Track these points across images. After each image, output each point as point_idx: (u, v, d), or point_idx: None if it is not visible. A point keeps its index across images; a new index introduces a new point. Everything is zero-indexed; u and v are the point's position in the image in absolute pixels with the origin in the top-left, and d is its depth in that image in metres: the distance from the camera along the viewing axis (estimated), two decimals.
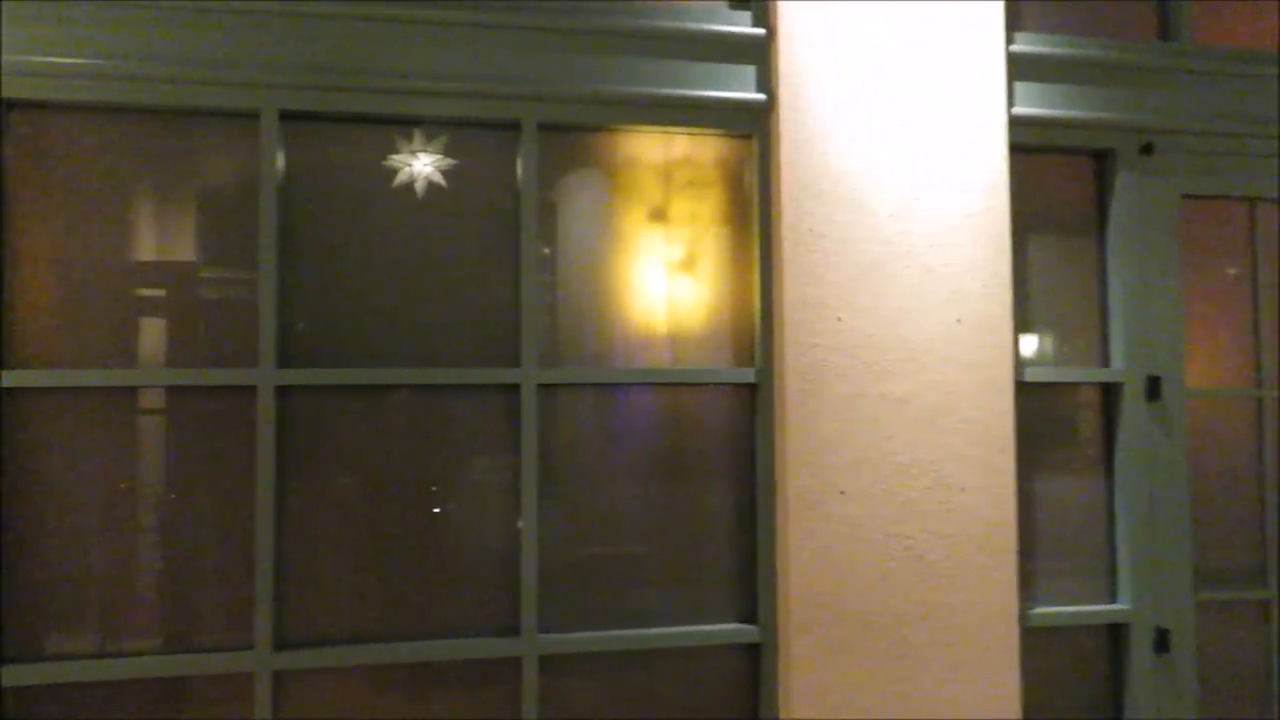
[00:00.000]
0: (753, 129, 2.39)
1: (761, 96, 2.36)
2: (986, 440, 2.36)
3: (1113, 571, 2.62)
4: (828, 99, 2.33)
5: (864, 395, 2.30)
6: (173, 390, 2.17)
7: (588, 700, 2.31)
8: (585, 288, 2.38)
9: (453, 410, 2.28)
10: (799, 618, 2.25)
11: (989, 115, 2.41)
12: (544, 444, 2.31)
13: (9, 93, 2.10)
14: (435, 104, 2.27)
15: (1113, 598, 2.61)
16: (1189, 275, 2.71)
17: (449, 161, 2.33)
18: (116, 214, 2.18)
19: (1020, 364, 2.56)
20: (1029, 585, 2.55)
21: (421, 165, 2.32)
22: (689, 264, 2.43)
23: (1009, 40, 2.53)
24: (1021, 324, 2.60)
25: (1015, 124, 2.52)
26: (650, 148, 2.42)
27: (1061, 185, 2.67)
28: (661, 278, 2.41)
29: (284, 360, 2.21)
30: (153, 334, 2.19)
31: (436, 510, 2.27)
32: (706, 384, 2.39)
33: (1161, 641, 2.58)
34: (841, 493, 2.28)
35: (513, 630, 2.27)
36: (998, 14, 2.43)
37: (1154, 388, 2.60)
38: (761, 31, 2.37)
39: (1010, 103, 2.51)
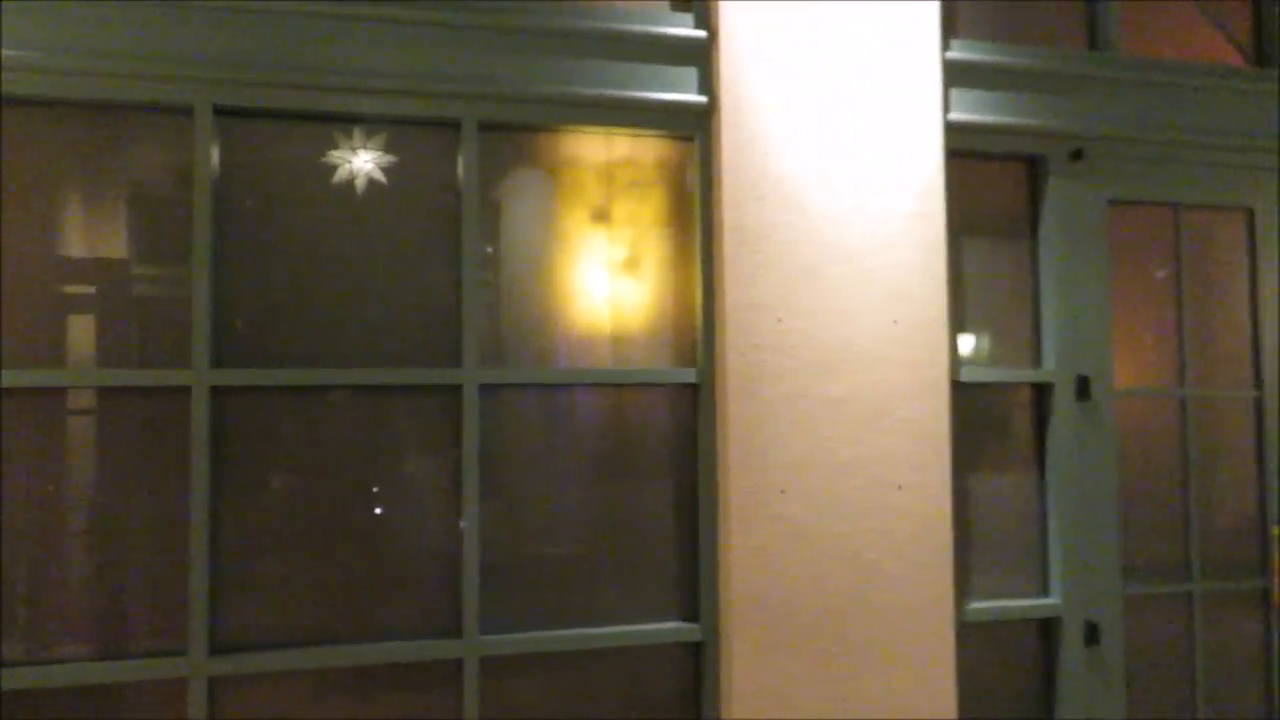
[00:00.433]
0: (694, 131, 2.41)
1: (703, 99, 2.38)
2: (923, 439, 2.41)
3: (1044, 566, 2.68)
4: (769, 102, 2.36)
5: (804, 395, 2.33)
6: (104, 391, 2.12)
7: (531, 701, 2.31)
8: (528, 288, 2.37)
9: (393, 411, 2.27)
10: (740, 616, 2.27)
11: (925, 120, 2.46)
12: (486, 444, 2.30)
13: None
14: (375, 101, 2.25)
15: (1044, 592, 2.68)
16: (1117, 278, 2.79)
17: (389, 159, 2.31)
18: (46, 210, 2.13)
19: (956, 364, 2.61)
20: (964, 581, 2.61)
21: (361, 163, 2.30)
22: (631, 265, 2.44)
23: (945, 47, 2.58)
24: (957, 325, 2.65)
25: (951, 129, 2.57)
26: (593, 148, 2.42)
27: (995, 190, 2.73)
28: (604, 278, 2.42)
29: (219, 360, 2.17)
30: (83, 333, 2.13)
31: (377, 512, 2.25)
32: (649, 384, 2.40)
33: (1091, 634, 2.65)
34: (782, 492, 2.30)
35: (454, 632, 2.26)
36: (934, 22, 2.48)
37: (1083, 387, 2.68)
38: (703, 34, 2.39)
39: (946, 108, 2.57)
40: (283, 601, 2.19)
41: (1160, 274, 2.89)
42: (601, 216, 2.43)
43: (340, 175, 2.28)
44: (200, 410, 2.12)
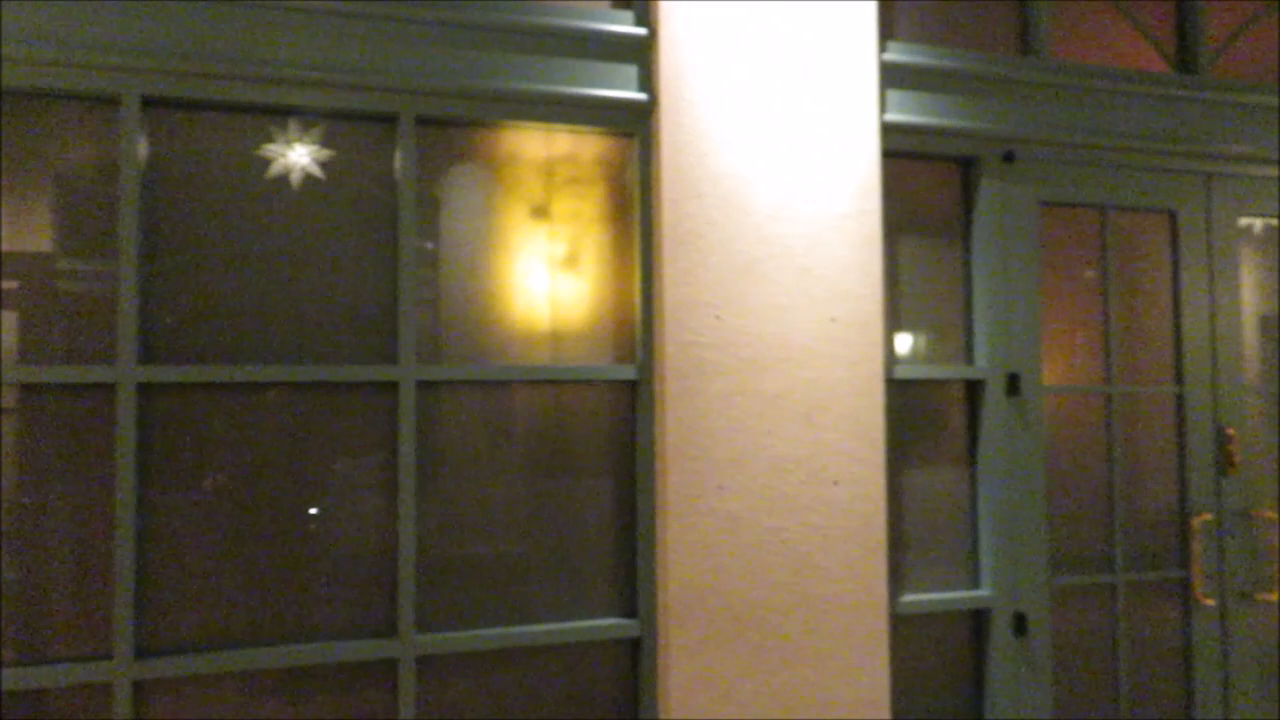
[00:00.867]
0: (634, 128, 2.41)
1: (643, 96, 2.39)
2: (859, 435, 2.44)
3: (975, 559, 2.74)
4: (708, 100, 2.37)
5: (742, 392, 2.35)
6: (25, 388, 2.06)
7: (468, 700, 2.30)
8: (467, 284, 2.36)
9: (328, 408, 2.23)
10: (678, 611, 2.28)
11: (862, 121, 2.49)
12: (423, 442, 2.28)
13: None
14: (310, 94, 2.21)
15: (976, 585, 2.74)
16: (1047, 278, 2.85)
17: (326, 153, 2.27)
18: None
19: (891, 361, 2.65)
20: (898, 574, 2.65)
21: (297, 156, 2.26)
22: (571, 261, 2.43)
23: (881, 49, 2.62)
24: (893, 323, 2.70)
25: (887, 130, 2.61)
26: (533, 144, 2.41)
27: (930, 190, 2.78)
28: (544, 275, 2.41)
29: (147, 357, 2.12)
30: (4, 328, 2.07)
31: (311, 511, 2.22)
32: (588, 381, 2.40)
33: (1020, 625, 2.72)
34: (720, 488, 2.32)
35: (390, 631, 2.24)
36: (871, 24, 2.51)
37: (1013, 384, 2.74)
38: (643, 31, 2.39)
39: (882, 109, 2.60)
40: (213, 603, 2.15)
41: (1088, 273, 2.97)
42: (541, 213, 2.42)
43: (275, 169, 2.24)
44: (126, 407, 2.07)
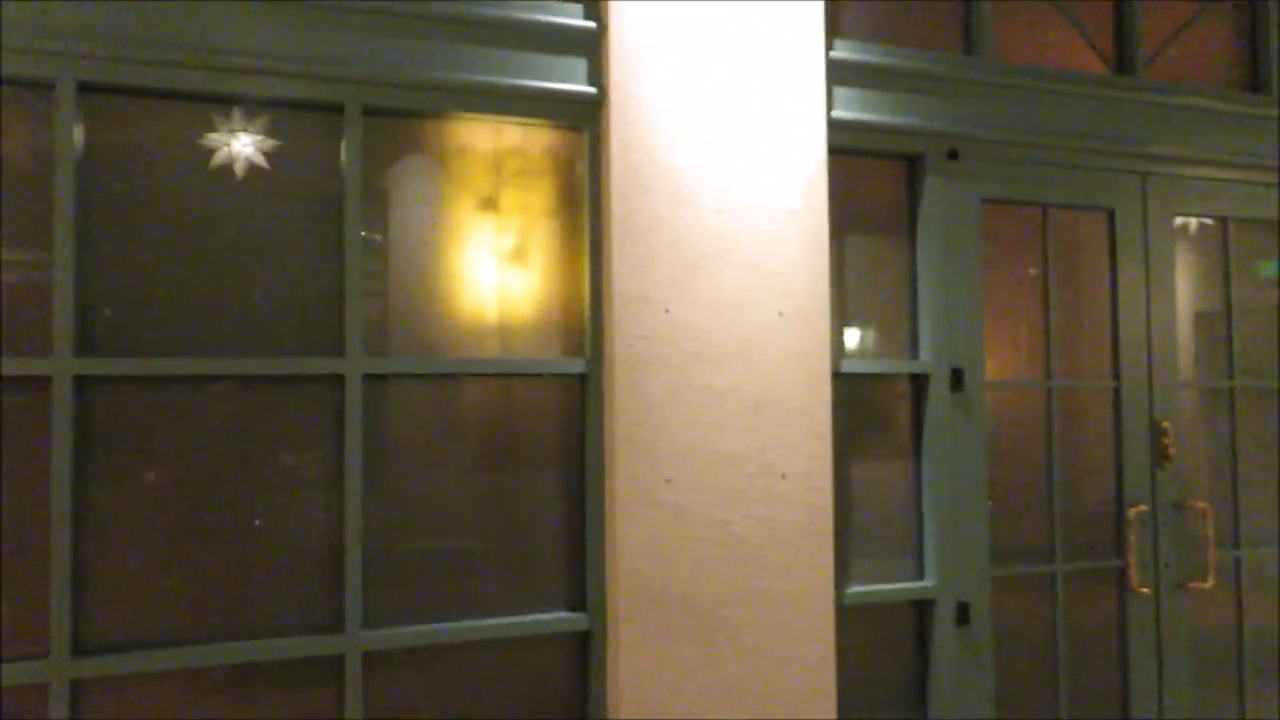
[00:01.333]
0: (583, 122, 2.41)
1: (592, 90, 2.39)
2: (806, 429, 2.47)
3: (920, 551, 2.79)
4: (658, 95, 2.38)
5: (691, 386, 2.36)
6: None
7: (417, 696, 2.28)
8: (414, 277, 2.34)
9: (273, 402, 2.20)
10: (626, 604, 2.29)
11: (809, 117, 2.51)
12: (370, 435, 2.26)
13: None
14: (254, 82, 2.18)
15: (920, 576, 2.78)
16: (990, 274, 2.91)
17: (271, 143, 2.24)
18: None
19: (838, 356, 2.69)
20: (844, 566, 2.69)
21: (241, 145, 2.23)
22: (520, 254, 2.43)
23: (829, 46, 2.65)
24: (839, 318, 2.73)
25: (834, 127, 2.64)
26: (481, 137, 2.40)
27: (876, 187, 2.82)
28: (492, 268, 2.40)
29: (85, 349, 2.07)
30: None
31: (256, 506, 2.19)
32: (537, 374, 2.40)
33: (962, 615, 2.77)
34: (668, 481, 2.33)
35: (336, 627, 2.21)
36: (818, 21, 2.54)
37: (957, 379, 2.79)
38: (593, 25, 2.39)
39: (830, 106, 2.63)
40: (155, 600, 2.11)
41: (1030, 270, 3.03)
42: (490, 206, 2.41)
43: (218, 158, 2.20)
44: (62, 401, 2.02)
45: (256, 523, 2.19)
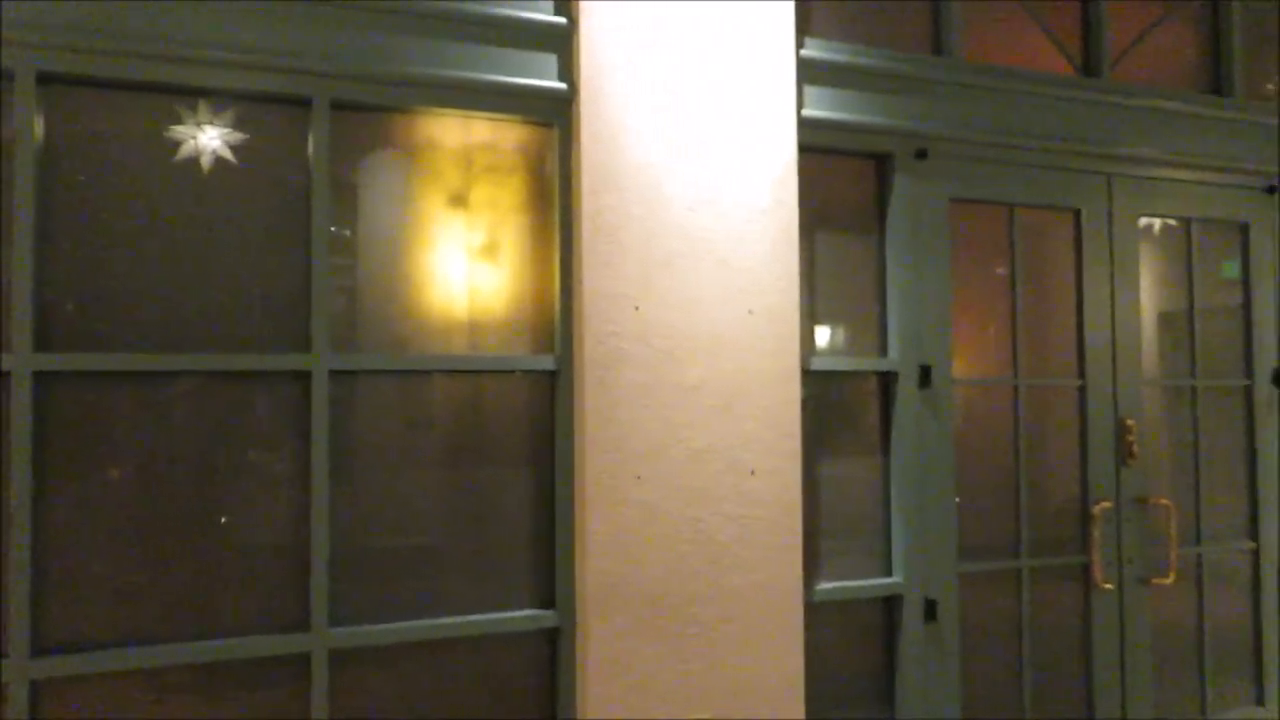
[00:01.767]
0: (554, 118, 2.40)
1: (563, 86, 2.38)
2: (775, 426, 2.48)
3: (888, 547, 2.81)
4: (628, 92, 2.37)
5: (661, 383, 2.36)
6: None
7: (384, 694, 2.27)
8: (383, 272, 2.32)
9: (239, 398, 2.18)
10: (595, 601, 2.29)
11: (780, 115, 2.52)
12: (338, 432, 2.24)
13: None
14: (220, 74, 2.15)
15: (888, 572, 2.80)
16: (958, 273, 2.92)
17: (238, 136, 2.21)
18: None
19: (807, 353, 2.70)
20: (814, 562, 2.70)
21: (207, 139, 2.20)
22: (490, 251, 2.42)
23: (799, 45, 2.65)
24: (809, 316, 2.74)
25: (804, 125, 2.64)
26: (451, 132, 2.39)
27: (846, 186, 2.83)
28: (462, 264, 2.39)
29: (46, 345, 2.04)
30: None
31: (221, 503, 2.16)
32: (507, 371, 2.39)
33: (930, 611, 2.79)
34: (638, 478, 2.33)
35: (302, 625, 2.19)
36: (789, 20, 2.54)
37: (925, 376, 2.81)
38: (563, 21, 2.39)
39: (800, 105, 2.64)
40: (119, 599, 2.08)
41: (997, 269, 3.06)
42: (460, 201, 2.40)
43: (184, 151, 2.18)
44: (21, 397, 1.99)
45: (222, 520, 2.16)
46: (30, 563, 1.99)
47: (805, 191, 2.66)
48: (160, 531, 2.11)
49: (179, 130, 2.17)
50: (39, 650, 2.01)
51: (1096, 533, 3.03)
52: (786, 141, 2.52)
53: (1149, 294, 3.26)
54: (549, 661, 2.40)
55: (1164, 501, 3.13)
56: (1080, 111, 3.06)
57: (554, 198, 2.42)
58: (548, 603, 2.40)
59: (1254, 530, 3.33)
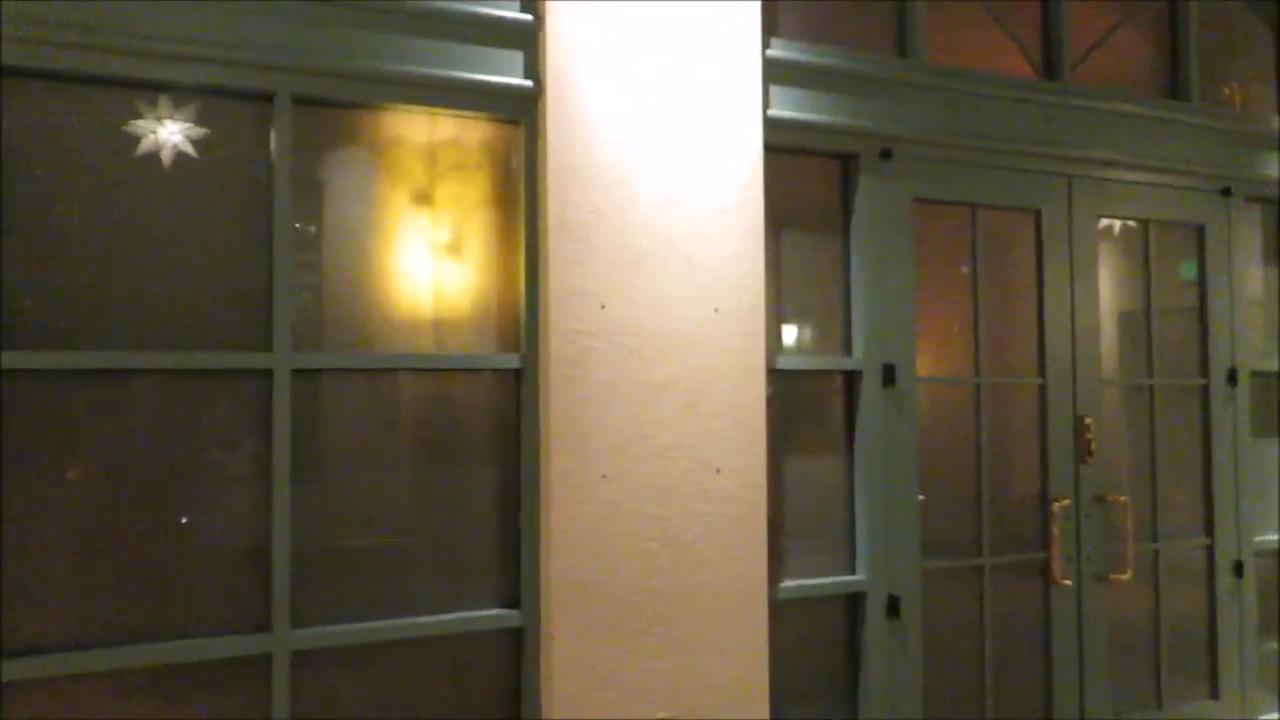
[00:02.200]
0: (520, 115, 2.39)
1: (529, 83, 2.37)
2: (741, 424, 2.49)
3: (852, 545, 2.83)
4: (595, 89, 2.37)
5: (626, 381, 2.37)
6: None
7: (347, 695, 2.25)
8: (347, 270, 2.30)
9: (200, 397, 2.15)
10: (560, 600, 2.29)
11: (745, 114, 2.53)
12: (300, 431, 2.22)
13: None
14: (182, 69, 2.12)
15: (852, 569, 2.82)
16: (921, 272, 2.95)
17: (200, 131, 2.19)
18: None
19: (773, 352, 2.71)
20: (778, 560, 2.71)
21: (167, 133, 2.17)
22: (456, 248, 2.40)
23: (765, 45, 2.66)
24: (775, 314, 2.75)
25: (770, 125, 2.65)
26: (416, 128, 2.37)
27: (811, 185, 2.85)
28: (427, 261, 2.38)
29: (2, 342, 2.00)
30: None
31: (182, 503, 2.14)
32: (472, 369, 2.38)
33: (893, 608, 2.82)
34: (603, 476, 2.33)
35: (264, 626, 2.17)
36: (755, 19, 2.55)
37: (889, 375, 2.83)
38: (529, 18, 2.38)
39: (766, 104, 2.65)
40: (76, 600, 2.05)
41: (960, 269, 3.09)
42: (425, 198, 2.38)
43: (143, 146, 2.15)
44: None
45: (183, 520, 2.14)
46: None
47: (771, 191, 2.67)
48: (120, 532, 2.08)
49: (139, 125, 2.14)
50: None
51: (1056, 530, 3.07)
52: (752, 140, 2.54)
53: (1108, 294, 3.31)
54: (514, 661, 2.40)
55: (1121, 499, 3.18)
56: (1041, 114, 3.10)
57: (520, 195, 2.41)
58: (513, 602, 2.39)
59: (1209, 527, 3.39)
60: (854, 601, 2.82)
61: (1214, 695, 3.37)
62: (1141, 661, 3.28)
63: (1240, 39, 3.64)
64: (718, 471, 2.45)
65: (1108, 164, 3.22)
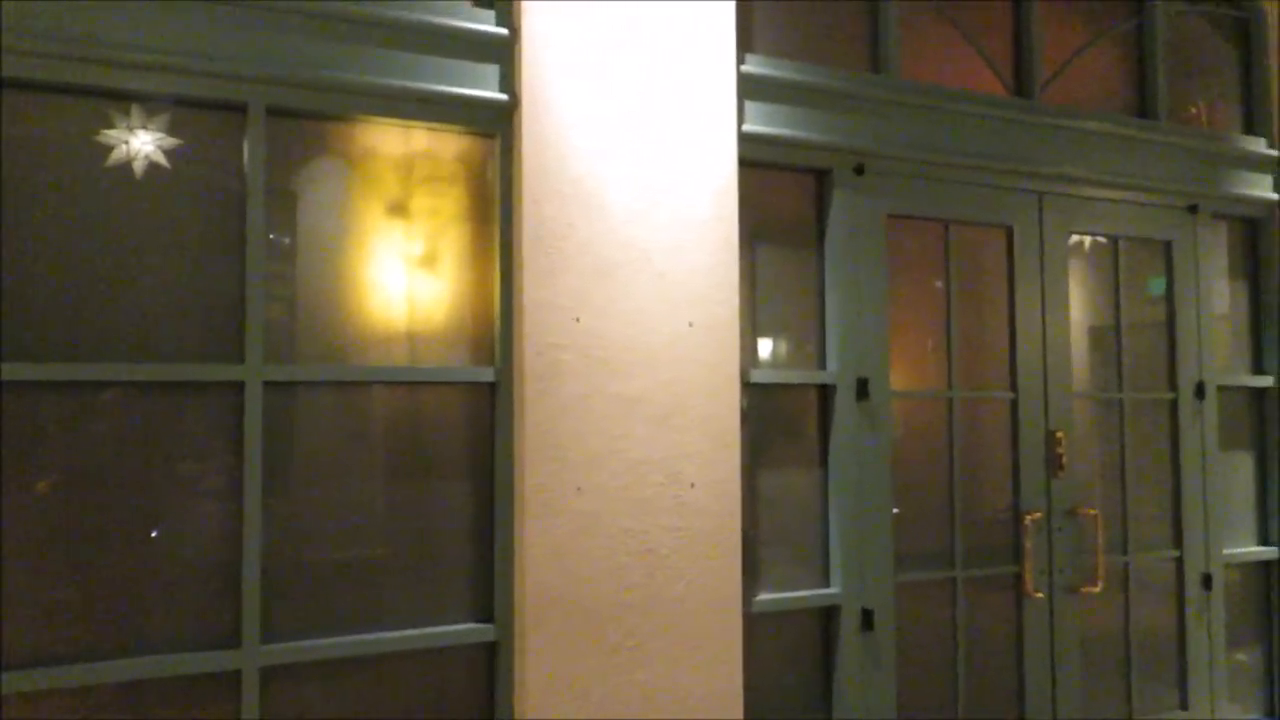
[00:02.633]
0: (496, 128, 2.40)
1: (504, 97, 2.38)
2: (715, 438, 2.49)
3: (826, 558, 2.84)
4: (570, 103, 2.38)
5: (600, 394, 2.37)
6: None
7: (319, 711, 2.22)
8: (321, 282, 2.29)
9: (171, 409, 2.13)
10: (534, 613, 2.28)
11: (720, 129, 2.55)
12: (272, 444, 2.20)
13: None
14: (155, 79, 2.11)
15: (826, 583, 2.83)
16: (894, 287, 2.97)
17: (172, 141, 2.17)
18: None
19: (747, 365, 2.72)
20: (752, 573, 2.71)
21: (139, 144, 2.16)
22: (430, 261, 2.40)
23: (740, 60, 2.68)
24: (749, 328, 2.76)
25: (744, 140, 2.67)
26: (391, 141, 2.37)
27: (786, 200, 2.87)
28: (401, 274, 2.37)
29: None
30: None
31: (152, 517, 2.11)
32: (446, 383, 2.37)
33: (867, 620, 2.82)
34: (578, 490, 2.33)
35: (233, 642, 2.15)
36: (729, 34, 2.57)
37: (863, 389, 2.85)
38: (504, 31, 2.39)
39: (740, 119, 2.67)
40: (43, 615, 2.02)
41: (933, 284, 3.11)
42: (400, 211, 2.38)
43: (115, 157, 2.13)
44: None
45: (152, 534, 2.11)
46: None
47: (745, 205, 2.68)
48: (88, 546, 2.06)
49: (111, 135, 2.13)
50: None
51: (1028, 543, 3.10)
52: (727, 155, 2.55)
53: (1079, 309, 3.34)
54: (488, 675, 2.38)
55: (1092, 512, 3.21)
56: (1012, 131, 3.14)
57: (495, 208, 2.41)
58: (486, 616, 2.38)
59: (1178, 539, 3.43)
60: (828, 614, 2.83)
61: (1184, 706, 3.40)
62: (1112, 672, 3.31)
63: (1207, 59, 3.70)
64: (692, 485, 2.46)
65: (1078, 181, 3.26)
